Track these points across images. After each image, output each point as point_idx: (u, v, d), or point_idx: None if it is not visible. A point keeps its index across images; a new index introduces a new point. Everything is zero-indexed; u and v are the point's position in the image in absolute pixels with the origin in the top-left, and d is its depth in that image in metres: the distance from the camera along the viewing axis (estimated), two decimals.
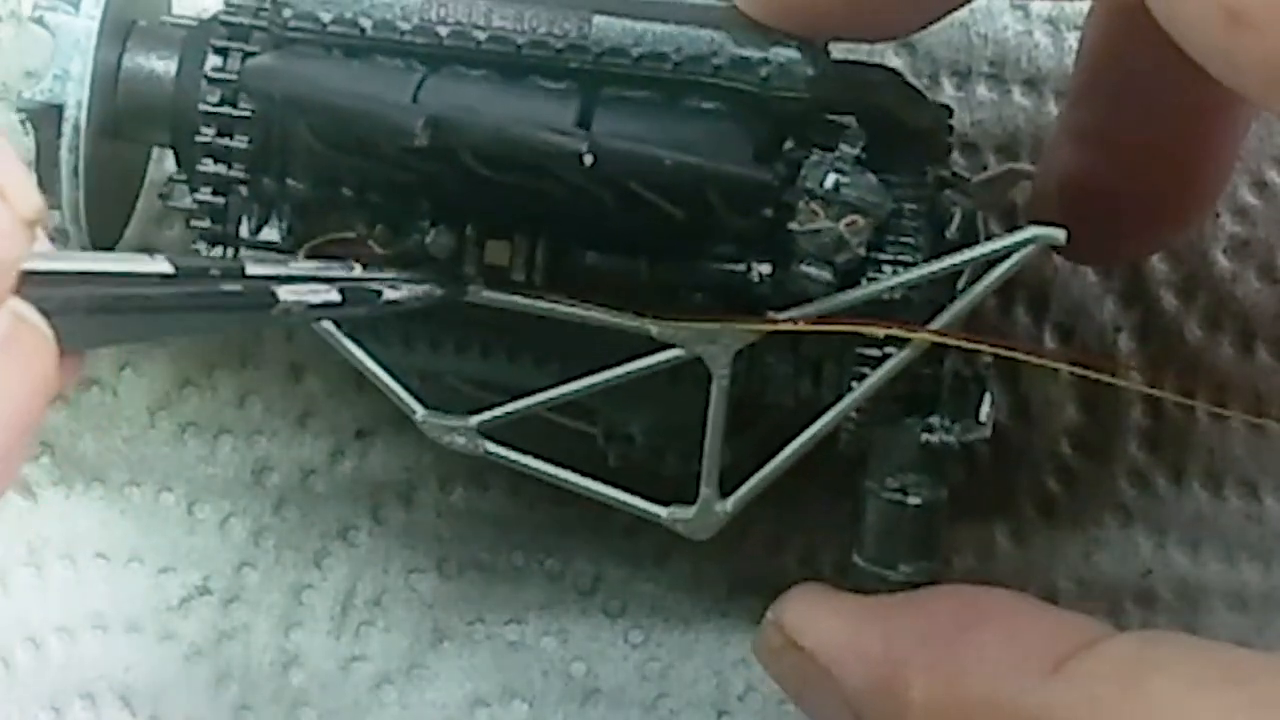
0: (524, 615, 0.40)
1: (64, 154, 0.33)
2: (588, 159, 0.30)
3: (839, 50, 0.34)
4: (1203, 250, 0.40)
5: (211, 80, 0.33)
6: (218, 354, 0.40)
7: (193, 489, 0.40)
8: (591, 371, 0.33)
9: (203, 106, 0.33)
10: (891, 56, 0.40)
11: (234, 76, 0.33)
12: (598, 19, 0.31)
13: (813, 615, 0.33)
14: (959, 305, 0.32)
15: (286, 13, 0.32)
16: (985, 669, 0.29)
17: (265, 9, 0.33)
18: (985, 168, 0.40)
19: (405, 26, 0.31)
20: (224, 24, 0.33)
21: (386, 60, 0.32)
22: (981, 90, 0.40)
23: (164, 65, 0.34)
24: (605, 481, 0.34)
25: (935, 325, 0.32)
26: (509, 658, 0.40)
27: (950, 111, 0.35)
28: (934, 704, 0.29)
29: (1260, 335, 0.40)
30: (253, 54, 0.33)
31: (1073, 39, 0.40)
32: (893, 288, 0.32)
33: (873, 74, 0.35)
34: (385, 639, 0.40)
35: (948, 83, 0.40)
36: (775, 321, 0.32)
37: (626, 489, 0.34)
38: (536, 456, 0.34)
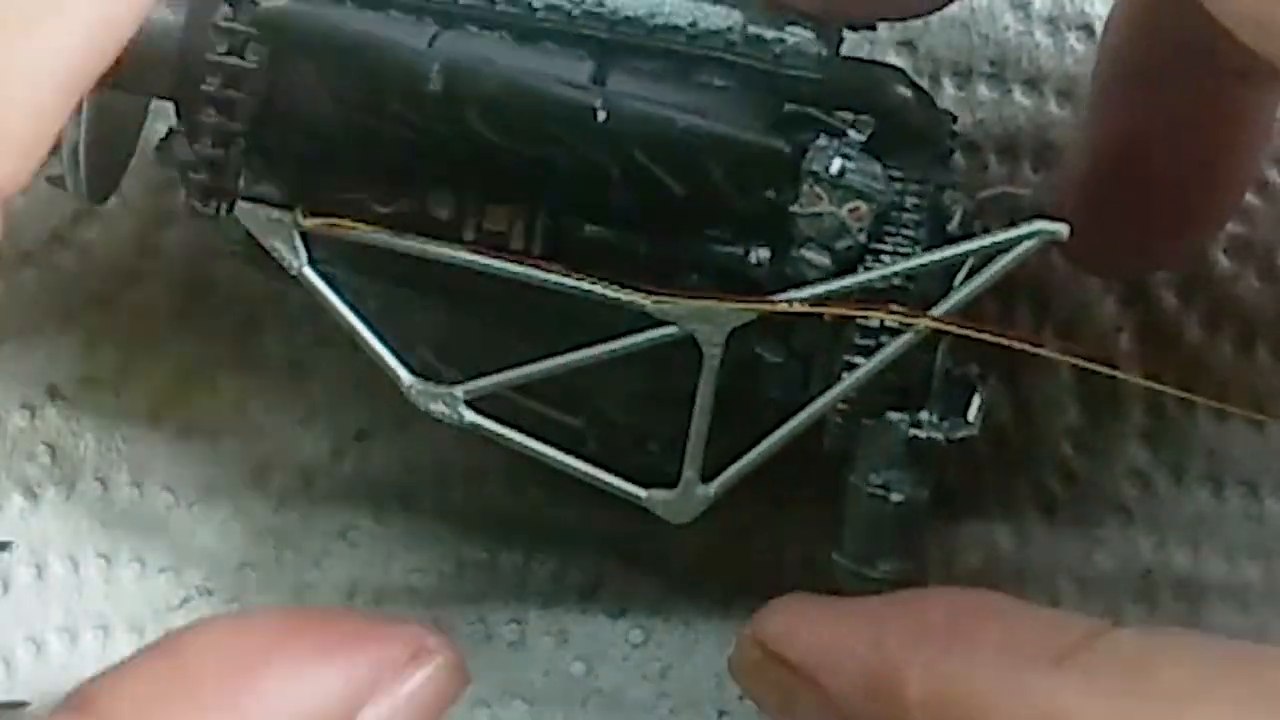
0: (524, 615, 0.40)
1: None
2: (601, 115, 0.30)
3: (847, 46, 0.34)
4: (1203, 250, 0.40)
5: (220, 30, 0.33)
6: (218, 354, 0.40)
7: (193, 489, 0.40)
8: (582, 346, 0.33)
9: (210, 56, 0.33)
10: (893, 56, 0.40)
11: (244, 27, 0.33)
12: None
13: (795, 624, 0.32)
14: (959, 295, 0.32)
15: None
16: (987, 664, 0.28)
17: None
18: (986, 168, 0.40)
19: None
20: None
21: (400, 16, 0.32)
22: (982, 90, 0.40)
23: (172, 13, 0.34)
24: (588, 461, 0.34)
25: (934, 312, 0.32)
26: (509, 658, 0.40)
27: (954, 118, 0.35)
28: (934, 702, 0.29)
29: (1260, 335, 0.40)
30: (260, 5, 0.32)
31: (1073, 39, 0.40)
32: (892, 275, 0.32)
33: (880, 72, 0.35)
34: None
35: (948, 82, 0.40)
36: (772, 302, 0.32)
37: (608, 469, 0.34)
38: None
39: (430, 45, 0.31)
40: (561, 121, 0.30)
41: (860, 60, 0.35)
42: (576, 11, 0.31)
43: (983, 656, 0.29)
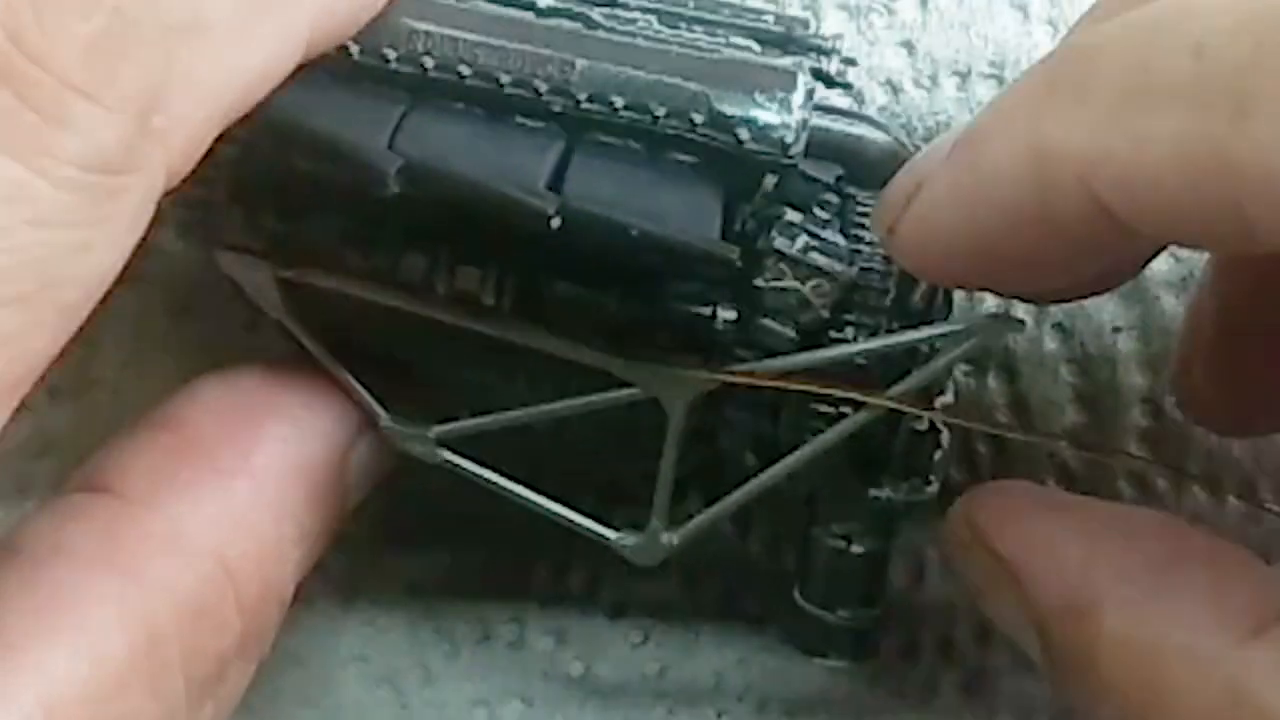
0: (524, 615, 0.41)
1: None
2: (555, 222, 0.30)
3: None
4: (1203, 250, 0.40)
5: None
6: (218, 354, 0.40)
7: None
8: (556, 390, 0.34)
9: None
10: (891, 57, 0.40)
11: None
12: (581, 63, 0.31)
13: (1008, 519, 0.32)
14: (916, 376, 0.33)
15: None
16: (1185, 619, 0.28)
17: None
18: None
19: (392, 55, 0.31)
20: None
21: (372, 87, 0.32)
22: (981, 90, 0.40)
23: None
24: (560, 501, 0.35)
25: (892, 392, 0.32)
26: (508, 658, 0.40)
27: None
28: (1125, 641, 0.29)
29: None
30: None
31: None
32: (850, 355, 0.33)
33: (857, 127, 0.35)
34: (385, 639, 0.40)
35: (948, 83, 0.40)
36: (732, 373, 0.32)
37: (580, 508, 0.35)
38: (495, 470, 0.35)
39: (391, 143, 0.31)
40: (517, 224, 0.31)
41: (837, 111, 0.35)
42: (544, 87, 0.31)
43: (1183, 609, 0.29)
